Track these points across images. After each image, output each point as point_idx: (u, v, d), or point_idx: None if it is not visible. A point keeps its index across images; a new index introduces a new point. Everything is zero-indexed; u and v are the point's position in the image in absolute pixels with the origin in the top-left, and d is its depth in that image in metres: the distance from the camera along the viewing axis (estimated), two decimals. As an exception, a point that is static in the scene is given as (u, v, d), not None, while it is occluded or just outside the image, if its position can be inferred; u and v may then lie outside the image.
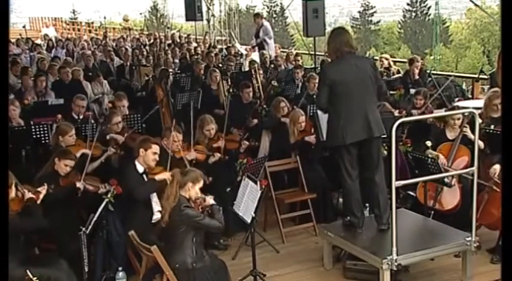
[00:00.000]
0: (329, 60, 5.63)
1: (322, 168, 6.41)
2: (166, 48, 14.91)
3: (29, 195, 4.44)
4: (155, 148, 5.20)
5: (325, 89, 4.84)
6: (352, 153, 4.88)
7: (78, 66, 10.80)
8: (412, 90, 7.86)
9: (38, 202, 4.46)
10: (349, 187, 4.97)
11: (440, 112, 6.71)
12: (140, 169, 5.18)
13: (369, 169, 4.91)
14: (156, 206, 5.10)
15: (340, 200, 5.97)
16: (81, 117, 7.09)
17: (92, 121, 6.55)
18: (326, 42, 5.06)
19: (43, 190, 4.57)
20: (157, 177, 5.16)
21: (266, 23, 13.53)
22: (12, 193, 4.36)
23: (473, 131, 5.39)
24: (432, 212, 5.40)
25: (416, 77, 8.74)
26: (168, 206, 4.36)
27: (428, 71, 9.61)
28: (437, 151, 5.53)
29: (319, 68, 10.14)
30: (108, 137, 6.11)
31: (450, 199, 5.47)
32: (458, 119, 5.76)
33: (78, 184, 5.01)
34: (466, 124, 5.67)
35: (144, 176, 5.19)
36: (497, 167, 5.25)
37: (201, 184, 4.52)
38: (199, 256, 4.37)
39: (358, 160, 4.93)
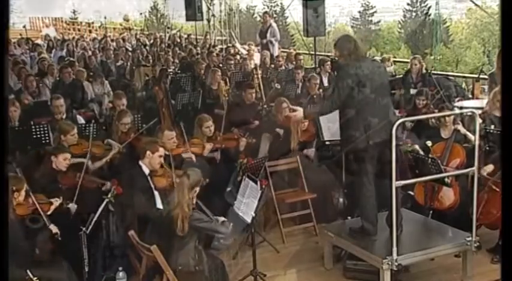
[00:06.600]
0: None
1: (322, 168, 6.40)
2: (167, 48, 14.90)
3: (39, 205, 4.44)
4: (162, 151, 5.21)
5: (345, 89, 4.59)
6: (374, 157, 4.72)
7: (78, 67, 10.78)
8: (412, 91, 7.84)
9: (49, 213, 4.49)
10: (367, 192, 4.78)
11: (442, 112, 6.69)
12: (146, 170, 5.17)
13: (386, 174, 4.58)
14: (158, 204, 5.10)
15: (341, 200, 5.98)
16: (63, 117, 6.96)
17: (92, 121, 6.53)
18: (336, 48, 4.81)
19: (56, 202, 4.57)
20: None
21: (274, 24, 13.49)
22: (21, 197, 4.38)
23: (470, 130, 5.41)
24: (431, 211, 5.39)
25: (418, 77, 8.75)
26: (182, 213, 4.25)
27: (428, 71, 9.59)
28: (431, 151, 5.47)
29: (319, 68, 10.13)
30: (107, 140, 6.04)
31: (448, 196, 5.46)
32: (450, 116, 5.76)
33: (70, 205, 4.93)
34: (459, 121, 5.67)
35: (149, 178, 5.18)
36: (487, 168, 5.27)
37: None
38: (201, 259, 4.35)
39: (376, 164, 4.75)
